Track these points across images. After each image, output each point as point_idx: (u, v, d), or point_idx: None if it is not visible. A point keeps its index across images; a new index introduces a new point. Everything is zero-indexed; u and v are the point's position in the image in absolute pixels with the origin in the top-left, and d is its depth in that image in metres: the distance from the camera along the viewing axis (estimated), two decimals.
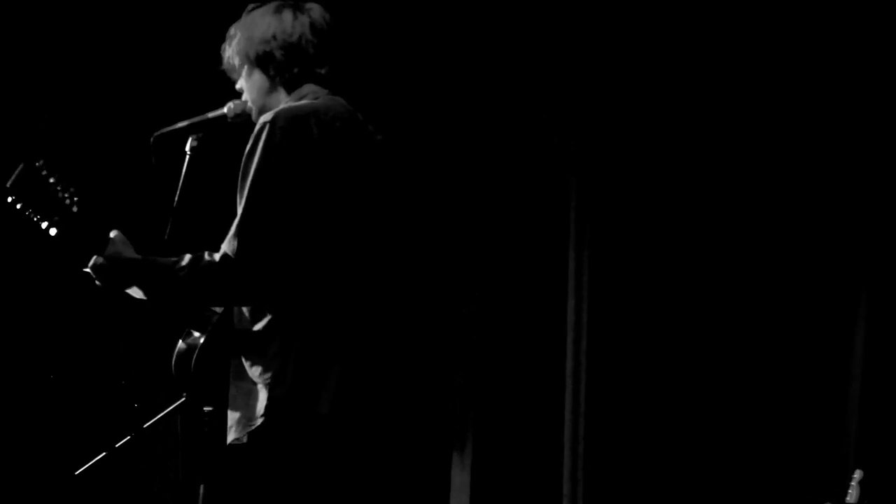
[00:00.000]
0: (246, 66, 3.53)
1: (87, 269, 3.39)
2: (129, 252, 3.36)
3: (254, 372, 3.33)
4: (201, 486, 3.63)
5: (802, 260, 5.44)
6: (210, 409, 3.48)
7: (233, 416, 3.36)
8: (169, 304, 3.51)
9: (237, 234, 3.27)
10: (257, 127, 3.33)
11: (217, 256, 3.28)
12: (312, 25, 3.51)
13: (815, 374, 5.41)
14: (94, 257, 3.36)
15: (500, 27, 5.75)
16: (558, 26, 5.69)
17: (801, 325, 5.43)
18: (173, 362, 3.51)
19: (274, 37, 3.48)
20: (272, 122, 3.31)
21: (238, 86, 3.60)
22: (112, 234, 3.39)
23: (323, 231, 3.30)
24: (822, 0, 5.32)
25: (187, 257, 3.30)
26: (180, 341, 3.52)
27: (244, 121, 3.61)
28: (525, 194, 5.84)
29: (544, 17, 5.69)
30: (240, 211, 3.29)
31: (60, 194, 3.33)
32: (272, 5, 3.55)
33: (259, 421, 3.29)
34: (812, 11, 5.32)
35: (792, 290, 5.45)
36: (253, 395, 3.32)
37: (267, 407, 3.28)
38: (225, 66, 3.60)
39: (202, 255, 3.29)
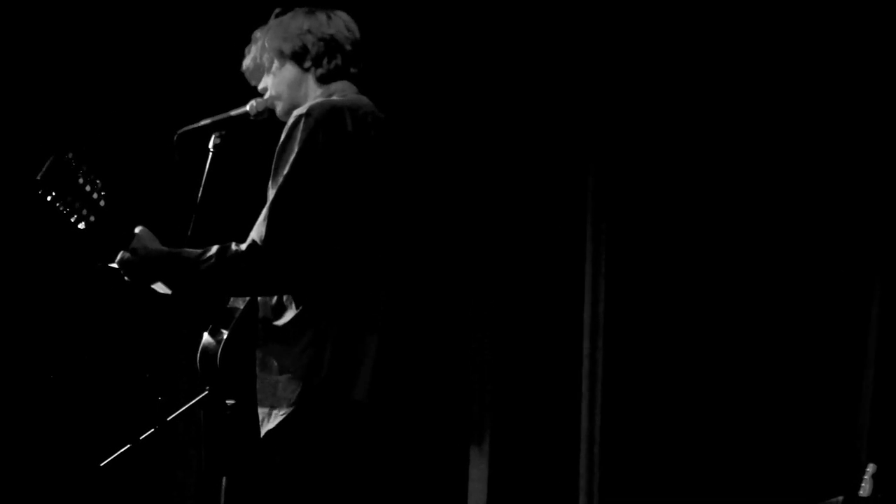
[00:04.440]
0: (276, 62, 3.56)
1: (114, 264, 3.39)
2: (156, 245, 3.37)
3: (284, 362, 3.33)
4: (224, 479, 3.65)
5: (817, 255, 5.42)
6: (233, 402, 3.48)
7: (263, 410, 3.36)
8: (196, 295, 3.51)
9: (266, 220, 3.28)
10: (292, 119, 3.35)
11: (244, 246, 3.29)
12: (347, 26, 3.58)
13: (828, 368, 5.39)
14: (121, 252, 3.37)
15: (518, 26, 5.74)
16: (576, 25, 5.69)
17: (815, 319, 5.41)
18: (198, 358, 3.52)
19: (310, 31, 3.53)
20: (308, 114, 3.33)
21: (262, 85, 3.62)
22: (137, 229, 3.40)
23: (352, 222, 3.32)
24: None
25: (214, 248, 3.30)
26: (205, 336, 3.52)
27: (267, 118, 3.63)
28: (542, 193, 5.83)
29: (562, 16, 5.69)
30: (270, 198, 3.30)
31: (89, 188, 3.33)
32: (302, 9, 3.60)
33: (288, 410, 3.30)
34: (828, 10, 5.33)
35: (806, 286, 5.43)
36: (280, 387, 3.32)
37: (300, 395, 3.28)
38: (246, 67, 3.63)
39: (229, 245, 3.30)
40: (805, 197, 5.44)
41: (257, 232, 3.30)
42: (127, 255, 3.37)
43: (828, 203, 5.41)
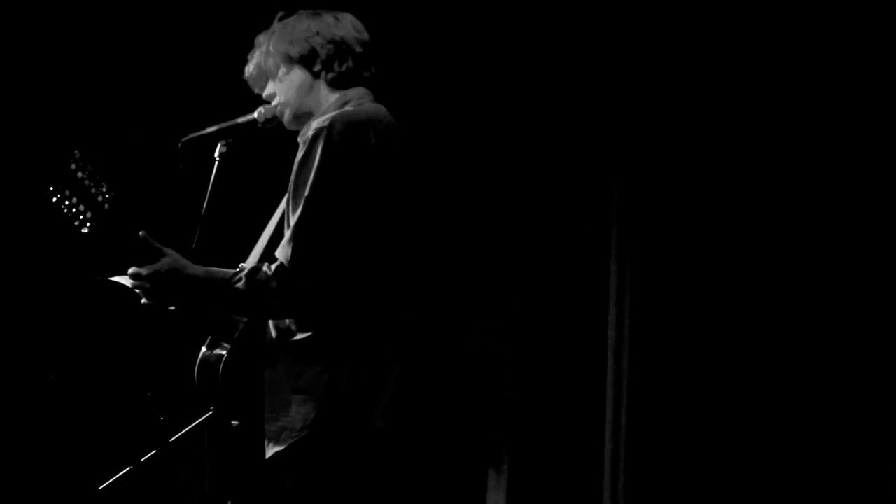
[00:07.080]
0: (283, 66, 3.47)
1: (131, 278, 3.27)
2: (191, 267, 3.25)
3: (298, 382, 3.24)
4: (229, 502, 3.59)
5: (851, 268, 5.32)
6: (237, 422, 3.40)
7: (270, 429, 3.28)
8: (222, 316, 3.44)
9: (292, 240, 3.20)
10: (312, 132, 3.26)
11: (272, 267, 3.21)
12: (354, 27, 3.50)
13: (864, 388, 5.26)
14: (161, 262, 3.23)
15: (542, 37, 5.72)
16: (599, 36, 5.66)
17: (854, 340, 5.29)
18: (196, 372, 3.44)
19: (318, 33, 3.45)
20: (329, 127, 3.25)
21: (267, 92, 3.54)
22: (166, 251, 3.27)
23: (376, 240, 3.25)
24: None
25: (244, 271, 3.22)
26: (203, 349, 3.45)
27: (275, 126, 3.55)
28: (565, 205, 5.79)
29: (585, 26, 5.67)
30: (295, 218, 3.22)
31: (94, 190, 3.24)
32: (306, 12, 3.52)
33: (301, 434, 3.22)
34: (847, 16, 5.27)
35: (840, 301, 5.33)
36: (292, 407, 3.24)
37: (316, 419, 3.20)
38: (249, 74, 3.55)
39: (259, 267, 3.22)
40: (840, 209, 5.35)
41: (283, 252, 3.22)
42: (167, 265, 3.22)
43: (867, 211, 5.31)
